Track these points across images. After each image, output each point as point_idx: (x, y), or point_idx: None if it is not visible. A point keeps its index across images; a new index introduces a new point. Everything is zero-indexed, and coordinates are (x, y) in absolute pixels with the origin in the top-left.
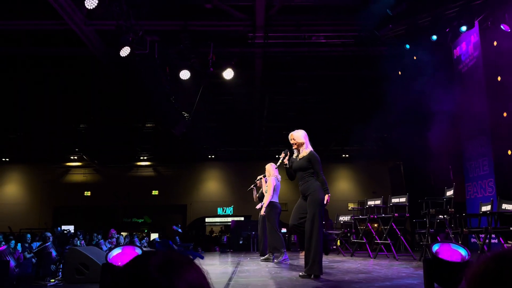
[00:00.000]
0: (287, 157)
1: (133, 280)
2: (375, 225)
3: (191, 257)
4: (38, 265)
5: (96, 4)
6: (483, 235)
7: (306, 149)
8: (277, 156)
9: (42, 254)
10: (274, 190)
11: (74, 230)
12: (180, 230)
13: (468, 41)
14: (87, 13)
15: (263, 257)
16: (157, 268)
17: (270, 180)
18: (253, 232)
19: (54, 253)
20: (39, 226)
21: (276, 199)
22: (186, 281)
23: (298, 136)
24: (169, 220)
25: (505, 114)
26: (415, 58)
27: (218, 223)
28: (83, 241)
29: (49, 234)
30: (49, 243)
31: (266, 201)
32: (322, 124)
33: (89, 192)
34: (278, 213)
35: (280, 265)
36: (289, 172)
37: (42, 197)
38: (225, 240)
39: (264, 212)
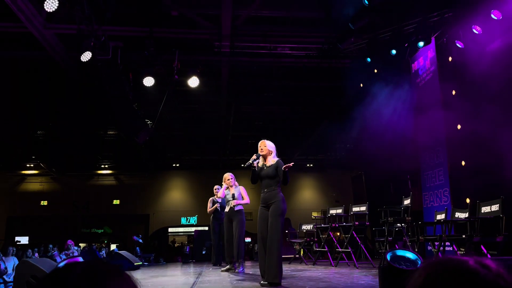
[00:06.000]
0: (256, 161)
1: None
2: (337, 233)
3: (120, 267)
4: None
5: (56, 7)
6: (438, 243)
7: (274, 158)
8: (242, 165)
9: None
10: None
11: (28, 241)
12: (141, 240)
13: (425, 56)
14: (47, 16)
15: (224, 268)
16: (80, 278)
17: (242, 189)
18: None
19: (2, 266)
20: None
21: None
22: None
23: (269, 144)
24: (131, 230)
25: (459, 127)
26: (375, 71)
27: (182, 233)
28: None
29: None
30: None
31: (242, 202)
32: (287, 134)
33: (46, 201)
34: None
35: (243, 275)
36: (255, 175)
37: None
38: (187, 250)
39: (233, 218)
